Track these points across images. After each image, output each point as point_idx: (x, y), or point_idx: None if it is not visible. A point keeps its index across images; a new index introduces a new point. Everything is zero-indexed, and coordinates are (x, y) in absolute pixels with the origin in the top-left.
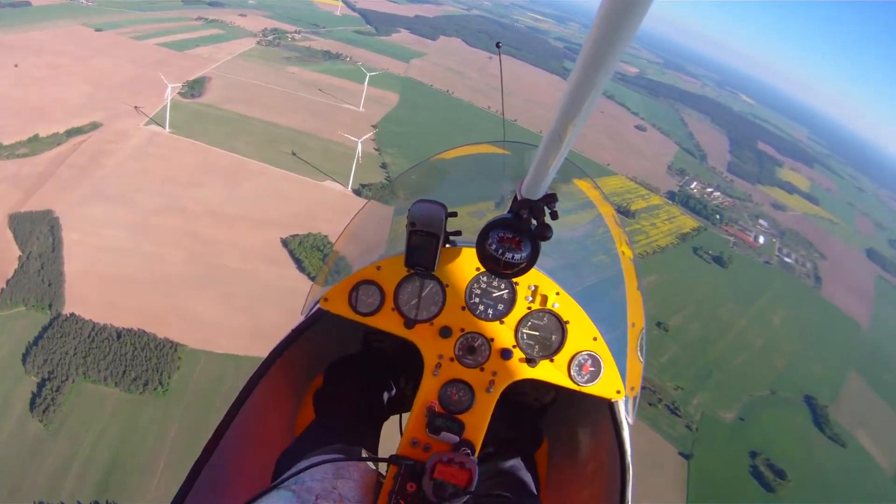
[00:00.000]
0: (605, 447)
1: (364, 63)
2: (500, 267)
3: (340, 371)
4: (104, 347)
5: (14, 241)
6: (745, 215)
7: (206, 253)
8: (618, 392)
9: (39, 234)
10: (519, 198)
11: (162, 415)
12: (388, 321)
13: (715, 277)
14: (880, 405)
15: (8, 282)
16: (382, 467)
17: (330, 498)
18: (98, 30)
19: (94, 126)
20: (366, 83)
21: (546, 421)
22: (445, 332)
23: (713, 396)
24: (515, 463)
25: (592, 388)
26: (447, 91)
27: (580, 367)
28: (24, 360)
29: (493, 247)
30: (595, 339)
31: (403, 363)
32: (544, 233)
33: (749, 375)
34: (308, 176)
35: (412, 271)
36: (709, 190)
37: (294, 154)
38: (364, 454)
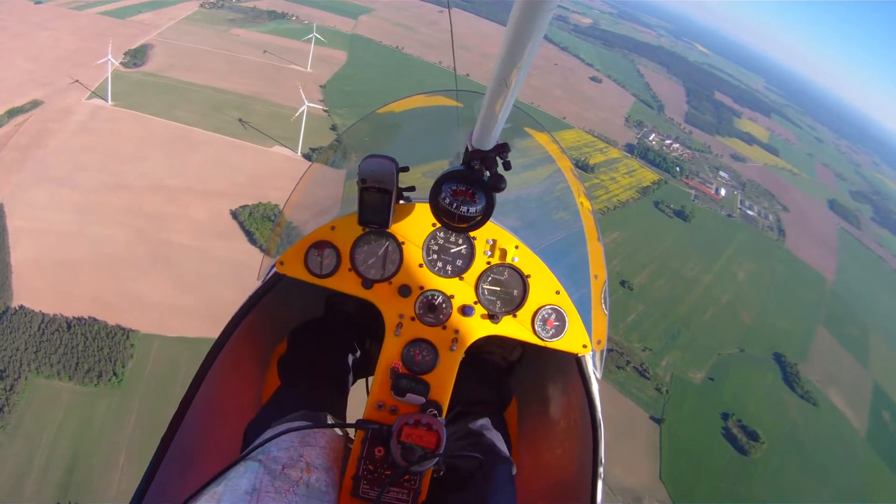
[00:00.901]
0: (575, 404)
1: (312, 22)
2: (455, 221)
3: (303, 336)
4: (55, 340)
5: None
6: (706, 167)
7: (154, 230)
8: (584, 346)
9: None
10: (470, 149)
11: (119, 406)
12: (345, 282)
13: (678, 232)
14: (849, 361)
15: None
16: (351, 433)
17: (297, 466)
18: (37, 2)
19: (36, 104)
20: (312, 42)
21: (514, 379)
22: (405, 291)
23: (682, 356)
24: (485, 423)
25: (558, 343)
26: (397, 47)
27: (544, 321)
28: None
29: (447, 200)
30: (558, 292)
31: (368, 325)
32: (497, 183)
33: (717, 333)
34: (256, 142)
35: (367, 230)
36: (667, 142)
37: (241, 120)
38: (330, 420)
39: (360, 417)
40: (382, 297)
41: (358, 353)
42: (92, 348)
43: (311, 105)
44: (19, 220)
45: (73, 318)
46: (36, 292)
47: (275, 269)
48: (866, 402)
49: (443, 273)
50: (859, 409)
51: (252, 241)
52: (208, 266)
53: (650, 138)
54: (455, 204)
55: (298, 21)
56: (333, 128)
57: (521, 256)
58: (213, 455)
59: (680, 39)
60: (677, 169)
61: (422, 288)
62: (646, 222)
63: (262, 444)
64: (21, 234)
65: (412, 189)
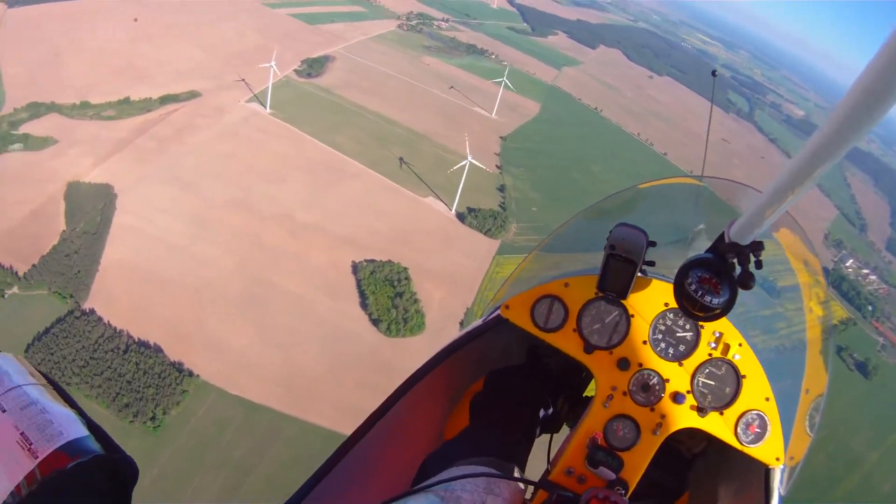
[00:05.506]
0: None
1: (512, 64)
2: (696, 308)
3: (503, 380)
4: (105, 360)
5: (63, 214)
6: None
7: (261, 265)
8: (777, 459)
9: (91, 209)
10: (727, 240)
11: (146, 454)
12: (567, 341)
13: (855, 390)
14: None
15: (42, 258)
16: (530, 488)
17: None
18: None
19: (192, 95)
20: (502, 87)
21: (691, 471)
22: (623, 364)
23: None
24: None
25: (753, 450)
26: (596, 108)
27: (747, 426)
28: (27, 351)
29: (693, 286)
30: (767, 399)
31: (566, 385)
32: (748, 281)
33: None
34: (410, 188)
35: (601, 295)
36: (864, 271)
37: (401, 160)
38: (517, 473)
39: (545, 477)
40: (600, 366)
41: (550, 410)
42: (138, 383)
43: (474, 162)
44: (128, 216)
45: (138, 339)
46: (112, 300)
47: (499, 312)
48: None
49: (664, 355)
50: None
51: (363, 304)
52: (305, 323)
53: (847, 264)
54: (700, 292)
55: (497, 60)
56: (501, 188)
57: (743, 355)
58: (383, 475)
59: (891, 148)
60: (869, 307)
61: (640, 365)
62: None
63: (447, 480)
64: (124, 231)
65: (652, 264)
